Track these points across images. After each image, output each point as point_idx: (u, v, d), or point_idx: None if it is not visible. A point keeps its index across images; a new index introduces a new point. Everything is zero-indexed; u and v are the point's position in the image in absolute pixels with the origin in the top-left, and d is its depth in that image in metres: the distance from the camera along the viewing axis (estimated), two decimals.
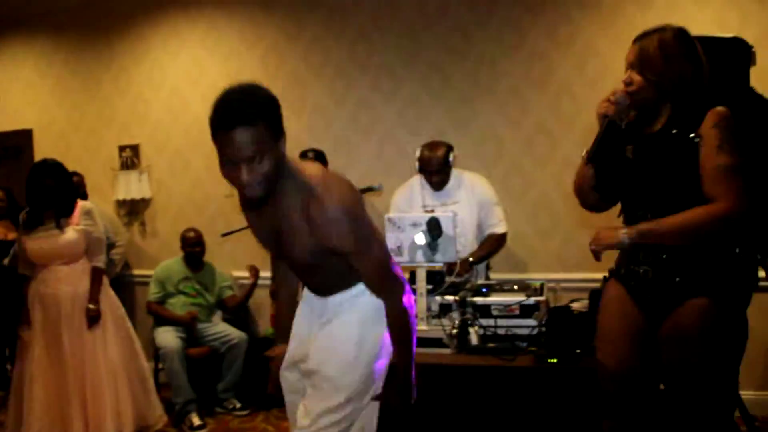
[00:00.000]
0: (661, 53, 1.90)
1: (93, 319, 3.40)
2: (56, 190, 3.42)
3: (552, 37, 3.86)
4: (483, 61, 3.99)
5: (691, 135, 1.86)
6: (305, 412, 1.86)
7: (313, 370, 1.89)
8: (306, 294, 2.06)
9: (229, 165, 1.60)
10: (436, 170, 3.34)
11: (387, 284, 1.86)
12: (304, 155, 3.94)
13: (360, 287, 1.90)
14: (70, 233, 3.42)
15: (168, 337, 4.01)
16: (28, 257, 3.43)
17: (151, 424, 3.61)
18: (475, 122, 4.04)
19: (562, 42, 3.85)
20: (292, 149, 4.39)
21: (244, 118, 1.54)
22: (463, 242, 3.27)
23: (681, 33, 1.94)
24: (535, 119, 3.93)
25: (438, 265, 2.95)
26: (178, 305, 4.22)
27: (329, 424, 1.82)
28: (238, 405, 4.10)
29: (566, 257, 3.86)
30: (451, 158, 3.37)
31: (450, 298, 2.87)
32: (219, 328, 4.20)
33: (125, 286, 4.75)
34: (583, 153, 2.09)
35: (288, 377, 2.06)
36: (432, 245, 2.83)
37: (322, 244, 1.70)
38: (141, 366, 3.61)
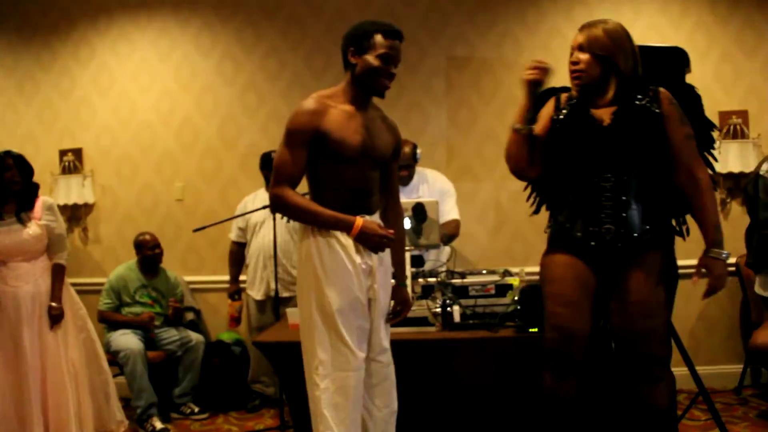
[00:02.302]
0: (606, 34, 2.21)
1: (55, 318, 3.28)
2: (18, 183, 3.32)
3: (499, 52, 4.25)
4: (436, 73, 4.30)
5: (656, 110, 2.21)
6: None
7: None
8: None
9: (383, 61, 2.21)
10: (405, 165, 3.57)
11: None
12: (268, 155, 4.03)
13: None
14: (33, 228, 3.32)
15: (128, 339, 3.91)
16: None
17: (111, 429, 3.50)
18: (427, 128, 4.33)
19: (508, 59, 4.24)
20: (249, 152, 4.46)
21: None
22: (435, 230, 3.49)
23: (620, 25, 2.27)
24: (484, 127, 4.27)
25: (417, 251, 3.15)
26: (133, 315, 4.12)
27: None
28: (197, 409, 4.04)
29: (514, 252, 4.19)
30: (418, 154, 3.62)
31: (432, 280, 3.08)
32: (175, 331, 4.13)
33: None
34: (517, 125, 2.33)
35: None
36: (416, 230, 3.04)
37: (395, 141, 2.44)
38: (102, 368, 3.51)
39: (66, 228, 4.57)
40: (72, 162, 4.65)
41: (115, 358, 3.90)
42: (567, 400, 2.30)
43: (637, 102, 2.23)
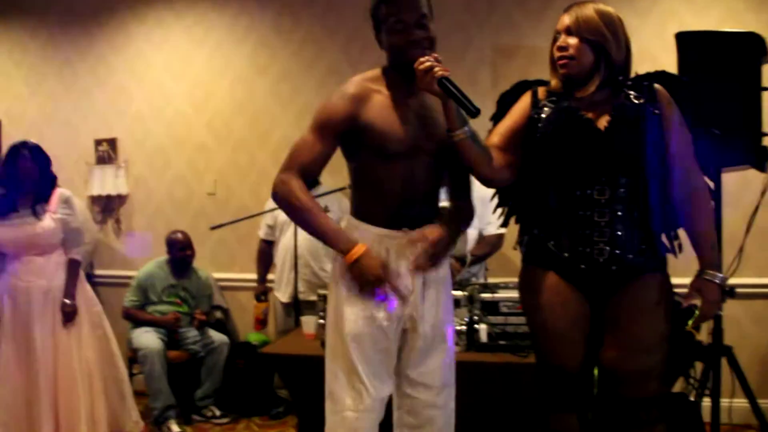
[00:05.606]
0: (599, 16, 1.87)
1: (68, 315, 3.19)
2: (34, 174, 3.22)
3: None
4: (482, 63, 3.96)
5: (656, 111, 1.88)
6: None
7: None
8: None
9: (397, 32, 1.84)
10: None
11: None
12: None
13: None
14: (47, 221, 3.22)
15: (149, 338, 3.79)
16: None
17: (126, 430, 3.38)
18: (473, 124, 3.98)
19: None
20: (282, 145, 4.25)
21: None
22: (464, 239, 3.16)
23: (612, 9, 1.92)
24: None
25: None
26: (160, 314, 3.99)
27: None
28: (218, 413, 3.88)
29: None
30: None
31: (458, 293, 2.76)
32: (196, 331, 3.97)
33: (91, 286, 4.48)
34: (455, 134, 1.82)
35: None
36: None
37: None
38: (117, 367, 3.39)
39: (99, 220, 4.59)
40: (107, 152, 4.57)
41: (135, 356, 3.79)
42: None
43: (635, 101, 1.89)
